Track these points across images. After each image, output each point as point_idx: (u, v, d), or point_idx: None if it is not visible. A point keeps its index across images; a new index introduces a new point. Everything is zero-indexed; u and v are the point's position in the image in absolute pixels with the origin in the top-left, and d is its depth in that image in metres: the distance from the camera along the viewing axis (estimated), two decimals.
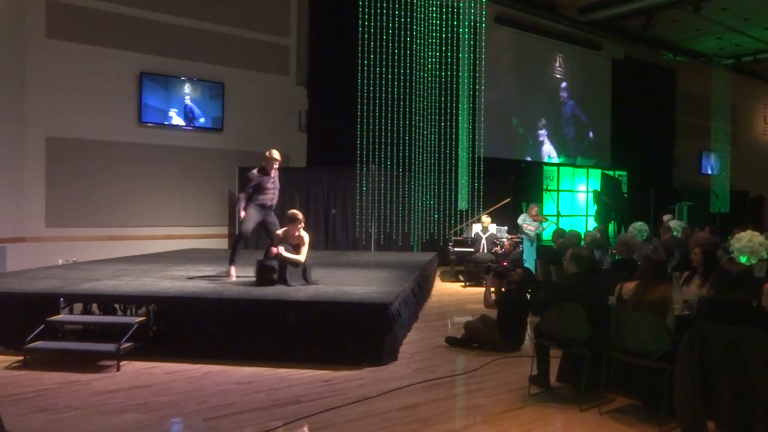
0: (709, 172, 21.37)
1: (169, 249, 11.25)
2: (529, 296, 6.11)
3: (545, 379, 4.78)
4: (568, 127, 17.28)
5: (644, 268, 4.38)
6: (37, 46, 10.80)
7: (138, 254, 10.28)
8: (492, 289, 6.32)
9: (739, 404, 3.40)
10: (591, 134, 17.87)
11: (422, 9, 12.61)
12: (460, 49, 13.19)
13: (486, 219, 11.26)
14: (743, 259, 5.60)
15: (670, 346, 3.88)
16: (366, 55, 12.17)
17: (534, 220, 11.20)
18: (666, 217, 11.69)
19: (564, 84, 17.14)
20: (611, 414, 4.27)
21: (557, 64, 16.98)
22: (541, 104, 16.60)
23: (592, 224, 16.16)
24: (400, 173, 12.79)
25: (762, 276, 5.30)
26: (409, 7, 12.44)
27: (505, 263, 9.38)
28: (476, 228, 11.46)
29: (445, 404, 4.50)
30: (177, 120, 12.31)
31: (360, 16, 12.09)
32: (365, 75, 12.23)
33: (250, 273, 6.84)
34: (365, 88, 12.28)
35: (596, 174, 17.21)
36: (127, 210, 11.71)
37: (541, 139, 16.63)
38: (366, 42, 12.17)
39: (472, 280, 10.66)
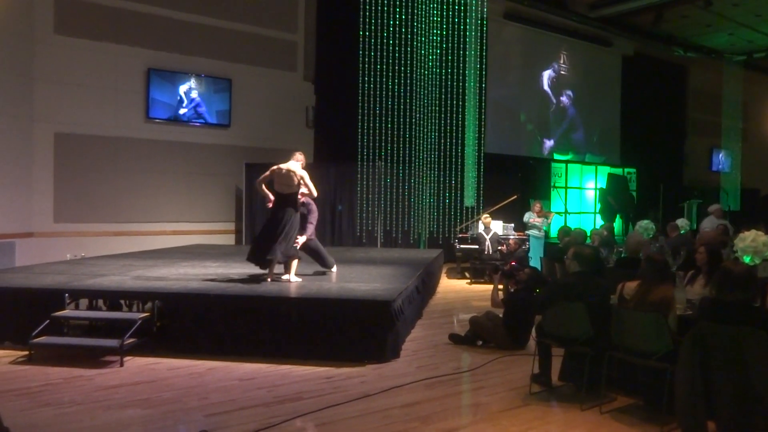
0: (720, 169, 21.16)
1: (176, 245, 11.32)
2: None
3: (547, 378, 4.77)
4: (577, 123, 17.16)
5: (646, 267, 4.34)
6: (45, 42, 10.86)
7: (145, 250, 10.34)
8: (500, 287, 6.31)
9: (739, 405, 3.38)
10: (600, 131, 17.75)
11: (429, 5, 12.57)
12: (467, 45, 13.15)
13: (487, 218, 11.16)
14: (747, 259, 5.55)
15: (672, 346, 3.86)
16: (373, 51, 12.16)
17: (539, 216, 11.12)
18: (712, 208, 10.76)
19: (573, 80, 17.03)
20: (612, 413, 4.25)
21: (567, 60, 16.87)
22: (549, 100, 16.50)
23: (600, 222, 16.06)
24: (407, 170, 12.76)
25: (765, 276, 5.25)
26: (415, 3, 12.41)
27: (513, 263, 9.35)
28: (479, 227, 11.35)
29: (447, 402, 4.50)
30: (184, 116, 12.36)
31: (367, 12, 12.07)
32: (372, 71, 12.22)
33: (253, 269, 6.86)
34: (372, 84, 12.26)
35: (605, 171, 17.10)
36: (135, 206, 11.78)
37: (549, 135, 16.54)
38: (373, 38, 12.15)
39: (478, 277, 10.64)
